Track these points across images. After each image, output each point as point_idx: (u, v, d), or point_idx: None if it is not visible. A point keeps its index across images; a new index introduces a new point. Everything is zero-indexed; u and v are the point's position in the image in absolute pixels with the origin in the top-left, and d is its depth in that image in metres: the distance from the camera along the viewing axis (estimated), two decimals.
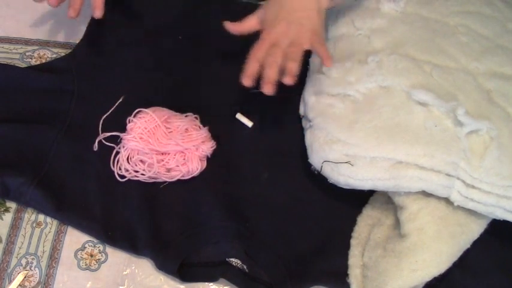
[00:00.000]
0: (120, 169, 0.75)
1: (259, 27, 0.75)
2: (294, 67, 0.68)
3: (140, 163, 0.74)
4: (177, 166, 0.75)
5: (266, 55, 0.69)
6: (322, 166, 0.71)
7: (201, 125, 0.78)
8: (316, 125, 0.73)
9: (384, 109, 0.70)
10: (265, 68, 0.69)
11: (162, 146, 0.74)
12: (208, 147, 0.76)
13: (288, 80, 0.67)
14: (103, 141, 0.77)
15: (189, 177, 0.76)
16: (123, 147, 0.75)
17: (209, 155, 0.77)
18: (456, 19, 0.80)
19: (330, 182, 0.71)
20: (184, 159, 0.75)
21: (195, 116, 0.79)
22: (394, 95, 0.71)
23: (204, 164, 0.77)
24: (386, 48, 0.77)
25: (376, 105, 0.71)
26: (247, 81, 0.69)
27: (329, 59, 0.70)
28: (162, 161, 0.75)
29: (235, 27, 0.76)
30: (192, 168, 0.75)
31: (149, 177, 0.74)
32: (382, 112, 0.70)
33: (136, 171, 0.74)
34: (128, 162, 0.75)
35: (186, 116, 0.78)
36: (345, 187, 0.70)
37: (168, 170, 0.75)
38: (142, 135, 0.74)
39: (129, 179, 0.75)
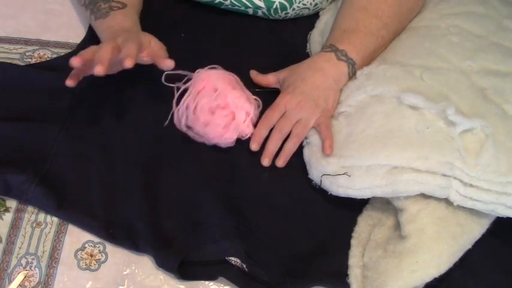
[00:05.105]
0: (180, 105, 0.75)
1: (276, 86, 0.80)
2: (291, 148, 0.75)
3: (202, 98, 0.74)
4: (218, 124, 0.73)
5: (275, 125, 0.75)
6: (321, 180, 0.72)
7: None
8: (312, 141, 0.75)
9: (376, 117, 0.71)
10: (269, 140, 0.75)
11: (234, 94, 0.74)
12: (252, 129, 0.76)
13: (280, 163, 0.75)
14: (163, 81, 0.75)
15: (213, 143, 0.75)
16: (193, 86, 0.75)
17: (244, 137, 0.76)
18: (448, 21, 0.80)
19: (331, 194, 0.72)
20: (228, 124, 0.74)
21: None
22: (385, 102, 0.72)
23: (234, 142, 0.76)
24: (374, 62, 0.78)
25: (367, 114, 0.72)
26: (255, 146, 0.75)
27: (329, 147, 0.72)
28: (214, 108, 0.74)
29: (256, 77, 0.82)
30: (228, 136, 0.74)
31: (187, 125, 0.75)
32: (373, 120, 0.71)
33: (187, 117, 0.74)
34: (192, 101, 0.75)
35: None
36: (345, 197, 0.70)
37: (206, 124, 0.74)
38: (219, 77, 0.76)
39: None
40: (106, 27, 0.77)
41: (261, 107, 0.79)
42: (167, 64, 0.70)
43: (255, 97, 0.79)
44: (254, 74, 0.82)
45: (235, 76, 0.78)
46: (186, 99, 0.75)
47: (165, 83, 0.78)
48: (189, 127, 0.76)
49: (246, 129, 0.76)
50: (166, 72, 0.74)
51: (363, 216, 0.74)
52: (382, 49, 0.80)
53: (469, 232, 0.67)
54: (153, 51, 0.72)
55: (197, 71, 0.78)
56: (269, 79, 0.81)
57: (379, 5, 0.79)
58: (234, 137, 0.75)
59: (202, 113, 0.74)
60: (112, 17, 0.77)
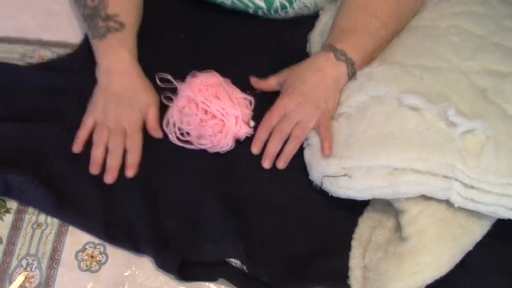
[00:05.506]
0: (167, 123, 0.77)
1: (277, 89, 0.80)
2: (292, 150, 0.75)
3: (185, 116, 0.75)
4: (210, 136, 0.74)
5: (275, 127, 0.76)
6: (322, 181, 0.72)
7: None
8: (313, 143, 0.75)
9: (376, 118, 0.71)
10: (269, 142, 0.76)
11: (217, 103, 0.74)
12: (247, 129, 0.76)
13: (281, 165, 0.75)
14: (158, 82, 0.80)
15: (214, 151, 0.75)
16: (176, 101, 0.77)
17: (241, 139, 0.77)
18: (448, 21, 0.80)
19: (331, 195, 0.71)
20: (220, 132, 0.75)
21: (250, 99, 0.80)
22: (385, 103, 0.72)
23: (233, 145, 0.76)
24: (374, 62, 0.78)
25: (368, 115, 0.72)
26: (256, 150, 0.76)
27: (328, 148, 0.72)
28: (201, 122, 0.74)
29: (257, 83, 0.82)
30: (223, 143, 0.75)
31: (179, 139, 0.76)
32: (374, 121, 0.71)
33: (179, 129, 0.76)
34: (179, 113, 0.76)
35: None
36: (346, 198, 0.70)
37: (199, 137, 0.75)
38: (201, 88, 0.75)
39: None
40: (100, 53, 0.79)
41: (253, 104, 0.79)
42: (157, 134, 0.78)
43: (244, 96, 0.79)
44: (254, 81, 0.82)
45: (220, 78, 0.78)
46: (172, 119, 0.76)
47: (160, 84, 0.79)
48: (184, 141, 0.76)
49: (240, 131, 0.76)
50: (158, 75, 0.78)
51: (363, 218, 0.74)
52: (381, 49, 0.80)
53: (469, 233, 0.67)
54: (148, 125, 0.77)
55: (178, 83, 0.78)
56: (270, 83, 0.81)
57: (378, 5, 0.79)
58: (230, 142, 0.75)
59: (191, 129, 0.75)
60: (108, 42, 0.78)
